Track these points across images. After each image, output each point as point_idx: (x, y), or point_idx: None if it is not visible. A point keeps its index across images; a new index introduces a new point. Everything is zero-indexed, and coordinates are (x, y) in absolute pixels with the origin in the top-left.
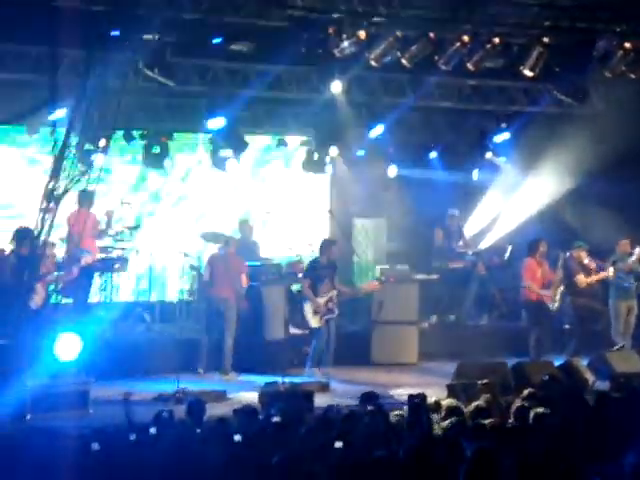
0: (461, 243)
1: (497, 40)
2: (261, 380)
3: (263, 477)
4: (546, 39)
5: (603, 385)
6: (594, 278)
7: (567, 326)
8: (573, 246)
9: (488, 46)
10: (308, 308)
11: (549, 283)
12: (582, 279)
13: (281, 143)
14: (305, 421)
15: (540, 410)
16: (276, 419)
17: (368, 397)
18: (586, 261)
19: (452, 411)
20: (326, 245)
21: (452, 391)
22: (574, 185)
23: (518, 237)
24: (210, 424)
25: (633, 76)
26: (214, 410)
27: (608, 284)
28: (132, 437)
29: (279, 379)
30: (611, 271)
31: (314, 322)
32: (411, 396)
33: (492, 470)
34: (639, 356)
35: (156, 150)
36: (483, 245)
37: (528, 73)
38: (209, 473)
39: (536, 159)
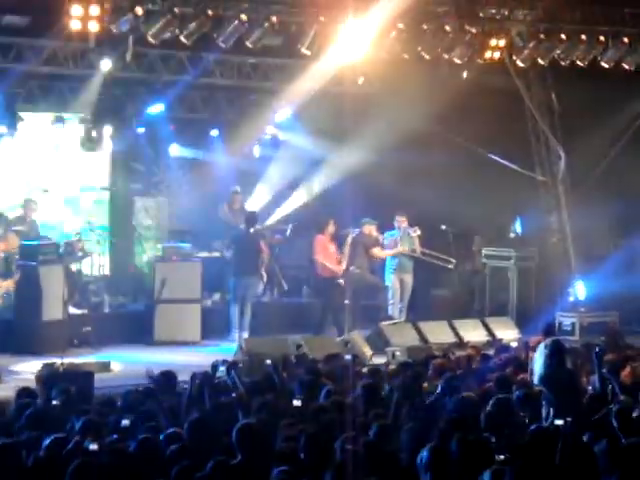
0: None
1: (275, 19)
2: (39, 362)
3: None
4: (322, 18)
5: (381, 358)
6: (390, 252)
7: (347, 301)
8: (361, 222)
9: (266, 24)
10: None
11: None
12: (378, 252)
13: (58, 120)
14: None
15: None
16: (55, 402)
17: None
18: (375, 235)
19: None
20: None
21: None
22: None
23: (301, 215)
24: None
25: (407, 56)
26: None
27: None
28: None
29: (58, 360)
30: (402, 248)
31: None
32: (193, 375)
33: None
34: (415, 328)
35: None
36: (266, 222)
37: (306, 52)
38: None
39: (318, 136)
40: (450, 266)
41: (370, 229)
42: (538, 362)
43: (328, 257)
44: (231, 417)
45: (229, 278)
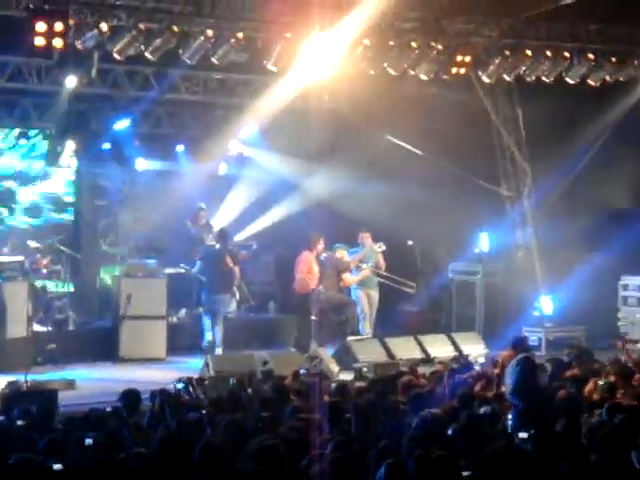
0: (210, 236)
1: (240, 35)
2: (2, 380)
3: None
4: (288, 34)
5: (348, 374)
6: (358, 277)
7: (314, 317)
8: (334, 247)
9: (232, 40)
10: None
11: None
12: (349, 278)
13: (22, 135)
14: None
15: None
16: (19, 422)
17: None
18: (348, 260)
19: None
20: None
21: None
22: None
23: (268, 233)
24: None
25: (373, 72)
26: None
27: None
28: None
29: (22, 378)
30: (367, 269)
31: None
32: (153, 393)
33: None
34: (382, 344)
35: None
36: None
37: (272, 68)
38: None
39: (284, 154)
40: (411, 290)
41: (342, 254)
42: (510, 377)
43: (310, 275)
44: (196, 435)
45: (200, 292)
